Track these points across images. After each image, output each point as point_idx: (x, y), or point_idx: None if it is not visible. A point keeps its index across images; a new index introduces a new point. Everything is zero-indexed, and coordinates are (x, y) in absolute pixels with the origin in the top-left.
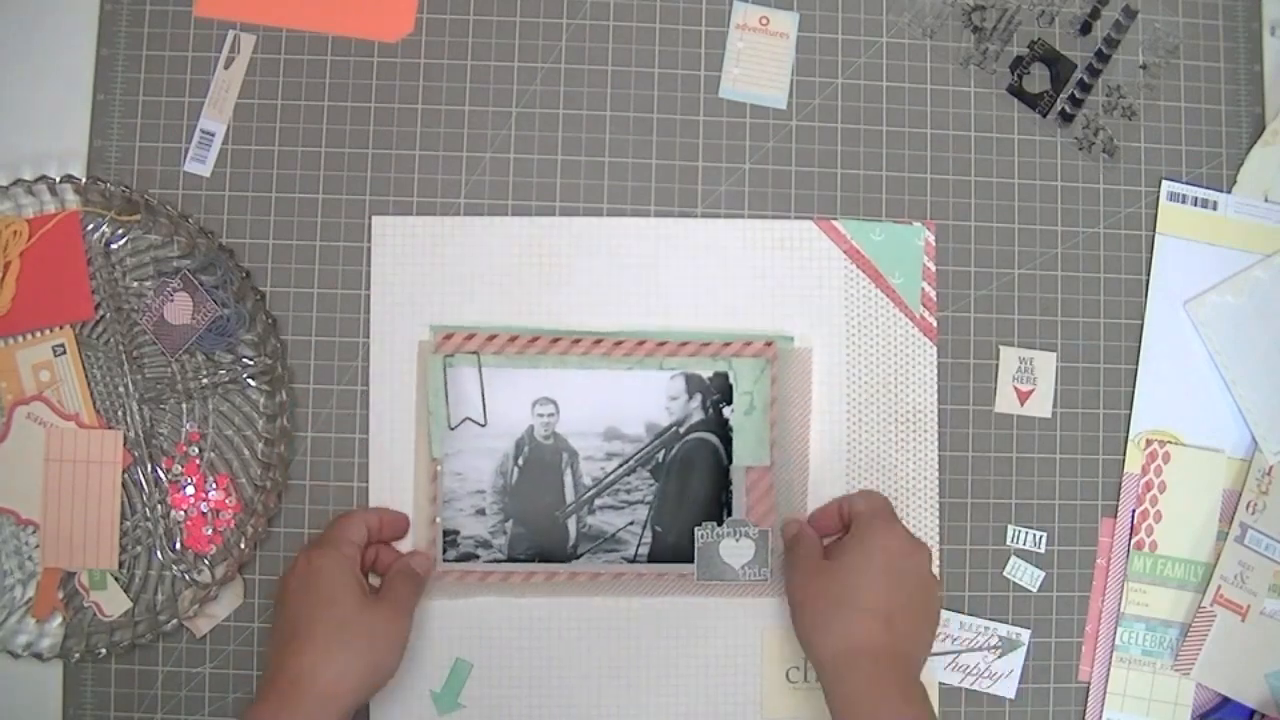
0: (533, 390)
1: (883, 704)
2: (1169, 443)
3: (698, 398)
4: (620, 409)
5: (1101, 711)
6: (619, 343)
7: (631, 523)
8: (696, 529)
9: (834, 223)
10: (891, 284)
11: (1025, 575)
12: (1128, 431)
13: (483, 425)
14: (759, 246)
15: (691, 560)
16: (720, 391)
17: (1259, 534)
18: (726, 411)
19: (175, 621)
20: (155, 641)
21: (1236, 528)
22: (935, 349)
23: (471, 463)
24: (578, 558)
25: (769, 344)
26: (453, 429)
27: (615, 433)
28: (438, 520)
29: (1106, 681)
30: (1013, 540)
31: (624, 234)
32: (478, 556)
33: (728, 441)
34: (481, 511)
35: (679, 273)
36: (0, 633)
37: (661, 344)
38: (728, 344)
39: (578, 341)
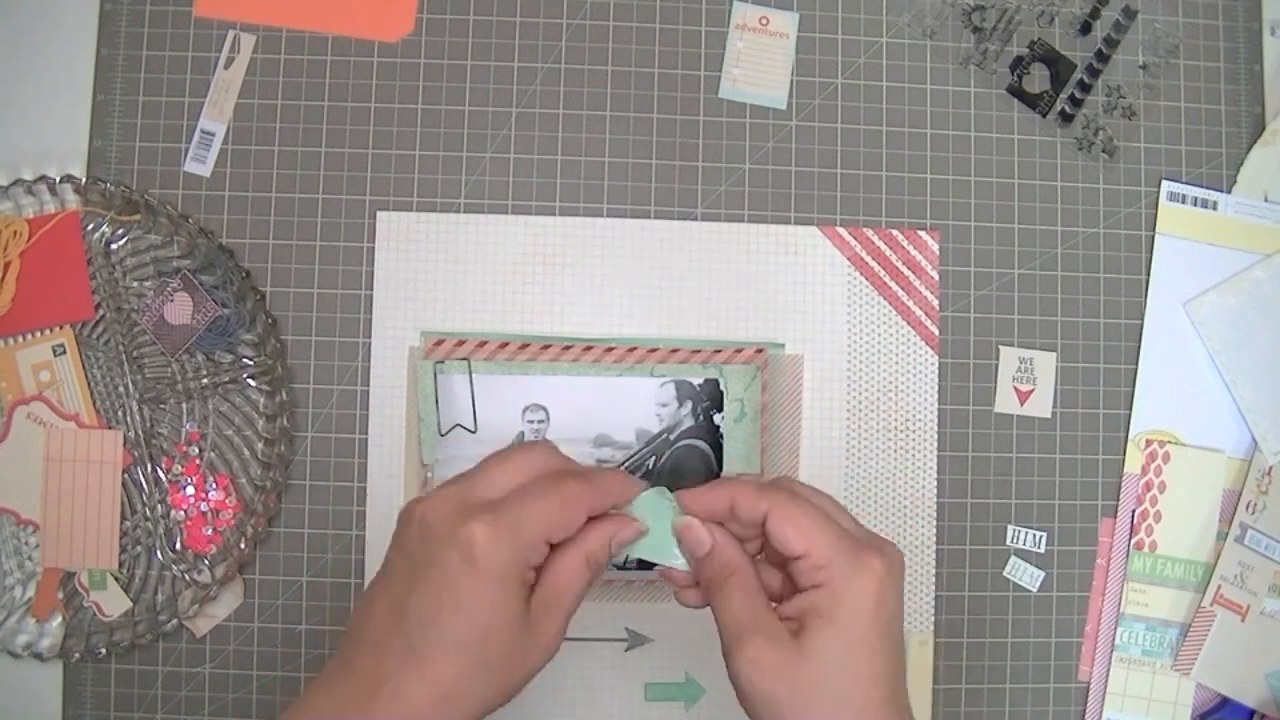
0: (523, 397)
1: None
2: (1169, 443)
3: (688, 404)
4: (610, 416)
5: (1101, 711)
6: (609, 349)
7: None
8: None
9: (838, 229)
10: (895, 291)
11: (1025, 575)
12: (1127, 431)
13: (473, 431)
14: (763, 251)
15: None
16: (711, 398)
17: (1259, 534)
18: (717, 418)
19: (175, 621)
20: (155, 641)
21: (1236, 528)
22: (937, 358)
23: (462, 469)
24: None
25: (760, 351)
26: (443, 435)
27: (605, 439)
28: None
29: (1106, 681)
30: (1013, 540)
31: (626, 236)
32: None
33: (718, 448)
34: None
35: (682, 277)
36: (0, 633)
37: (652, 350)
38: (718, 351)
39: (568, 348)
